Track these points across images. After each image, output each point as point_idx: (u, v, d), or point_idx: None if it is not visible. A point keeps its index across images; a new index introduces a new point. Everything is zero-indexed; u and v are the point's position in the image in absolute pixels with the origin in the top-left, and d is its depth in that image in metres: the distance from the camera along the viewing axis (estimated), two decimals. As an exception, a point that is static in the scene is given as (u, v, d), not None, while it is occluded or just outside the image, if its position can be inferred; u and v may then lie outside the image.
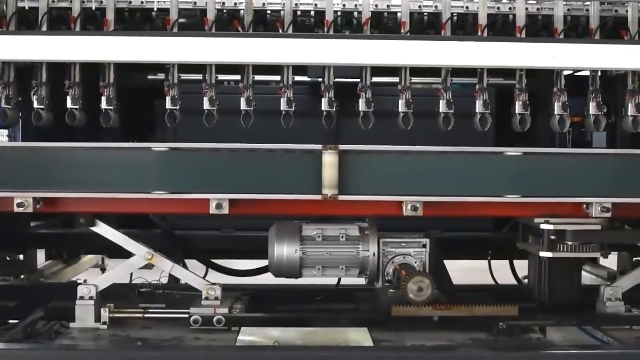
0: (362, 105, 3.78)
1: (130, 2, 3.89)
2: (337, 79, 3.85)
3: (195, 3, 3.88)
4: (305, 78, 4.29)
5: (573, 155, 3.76)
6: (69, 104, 3.78)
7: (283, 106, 3.79)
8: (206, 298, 3.82)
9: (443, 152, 3.66)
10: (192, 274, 3.95)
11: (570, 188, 3.67)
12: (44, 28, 3.80)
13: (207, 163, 3.64)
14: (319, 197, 3.60)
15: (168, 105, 3.77)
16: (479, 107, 3.78)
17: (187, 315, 3.75)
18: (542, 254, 3.78)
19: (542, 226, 3.74)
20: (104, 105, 3.78)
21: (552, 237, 3.74)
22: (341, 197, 3.60)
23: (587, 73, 3.91)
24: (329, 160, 3.59)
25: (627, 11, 3.88)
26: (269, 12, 3.95)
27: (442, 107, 3.77)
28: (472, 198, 3.67)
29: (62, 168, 3.61)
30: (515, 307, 3.78)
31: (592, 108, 3.81)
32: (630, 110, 3.78)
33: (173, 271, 3.90)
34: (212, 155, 3.64)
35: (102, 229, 3.87)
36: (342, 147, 3.61)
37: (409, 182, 3.63)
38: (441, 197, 3.65)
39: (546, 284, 3.85)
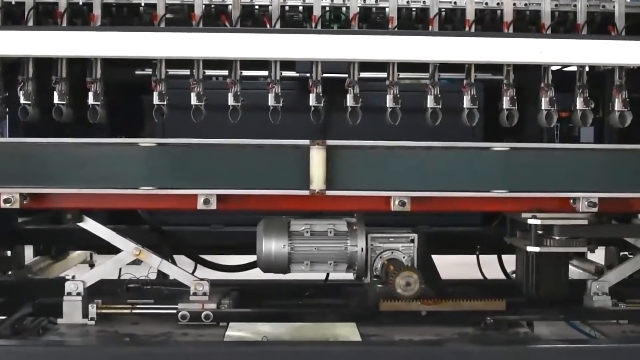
0: (349, 101, 3.76)
1: (117, -3, 3.87)
2: (325, 75, 3.83)
3: (182, -2, 3.85)
4: (293, 73, 4.27)
5: (560, 150, 3.75)
6: (56, 100, 3.76)
7: (271, 101, 3.77)
8: (194, 294, 3.82)
9: (430, 147, 3.66)
10: (180, 269, 3.94)
11: (557, 183, 3.68)
12: (30, 23, 3.77)
13: (194, 158, 3.63)
14: (306, 192, 3.59)
15: (155, 100, 3.74)
16: (466, 102, 3.77)
17: (175, 311, 3.75)
18: (530, 248, 3.79)
19: (530, 221, 3.75)
20: (91, 100, 3.75)
21: (540, 232, 3.75)
22: (329, 193, 3.60)
23: (575, 68, 3.91)
24: (317, 156, 3.59)
25: (614, 7, 3.87)
26: (256, 7, 3.93)
27: (430, 102, 3.77)
28: (460, 193, 3.67)
29: (49, 164, 3.60)
30: (502, 302, 3.79)
31: (579, 103, 3.81)
32: (617, 105, 3.78)
33: (161, 267, 3.89)
34: (199, 150, 3.63)
35: (90, 225, 3.86)
36: (330, 142, 3.61)
37: (396, 177, 3.63)
38: (429, 193, 3.66)
39: (533, 278, 3.86)
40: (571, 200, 3.69)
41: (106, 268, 3.94)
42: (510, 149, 3.68)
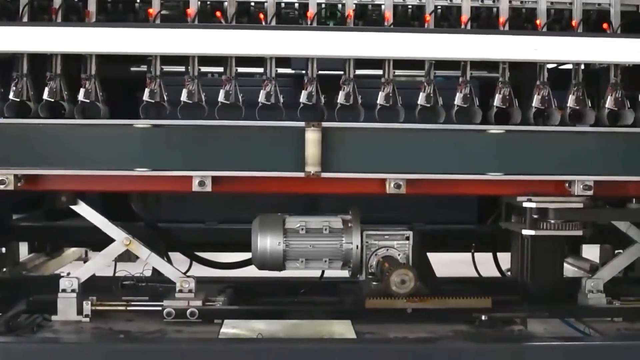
0: (340, 98, 3.74)
1: (112, -7, 3.85)
2: (322, 72, 3.81)
3: (178, -6, 3.84)
4: (289, 70, 4.26)
5: (556, 133, 3.73)
6: (45, 95, 3.72)
7: (261, 98, 3.74)
8: (180, 291, 3.81)
9: (426, 129, 3.66)
10: (167, 264, 3.92)
11: (552, 166, 3.68)
12: (25, 19, 3.75)
13: (190, 140, 3.63)
14: (301, 174, 3.59)
15: (146, 97, 3.71)
16: (458, 100, 3.76)
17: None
18: (525, 232, 3.78)
19: (525, 204, 3.74)
20: (81, 97, 3.72)
21: (535, 215, 3.74)
22: (324, 175, 3.59)
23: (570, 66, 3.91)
24: (312, 138, 3.58)
25: (610, 4, 3.87)
26: (252, 4, 3.92)
27: (421, 100, 3.75)
28: (456, 176, 3.67)
29: (44, 145, 3.59)
30: (488, 299, 3.78)
31: (573, 101, 3.81)
32: (609, 103, 3.78)
33: (150, 259, 3.87)
34: (195, 132, 3.63)
35: (83, 209, 3.83)
36: (326, 124, 3.61)
37: (392, 159, 3.63)
38: (424, 175, 3.65)
39: (528, 263, 3.85)
40: (566, 184, 3.69)
41: (98, 261, 3.92)
42: (506, 132, 3.68)
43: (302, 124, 3.59)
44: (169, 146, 3.61)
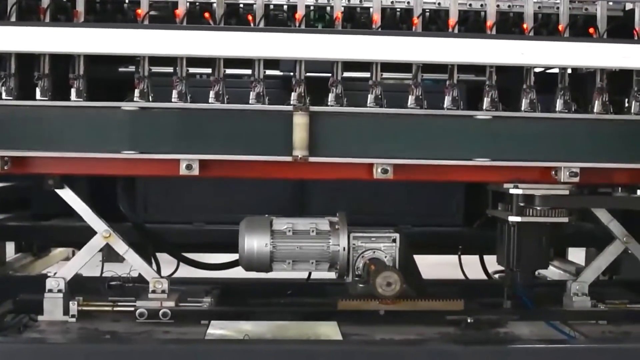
0: (330, 100, 3.76)
1: (101, -6, 3.85)
2: (310, 74, 3.83)
3: (166, -5, 3.84)
4: (277, 72, 4.26)
5: (542, 119, 3.75)
6: (38, 96, 3.73)
7: (251, 100, 3.75)
8: (153, 291, 3.81)
9: (414, 115, 3.67)
10: (143, 262, 3.88)
11: (539, 152, 3.70)
12: (13, 19, 3.74)
13: (177, 123, 3.62)
14: (289, 158, 3.59)
15: (136, 98, 3.72)
16: (447, 103, 3.78)
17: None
18: (511, 218, 3.78)
19: (511, 191, 3.75)
20: (73, 97, 3.74)
21: (521, 203, 3.75)
22: (312, 159, 3.60)
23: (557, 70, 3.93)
24: (300, 122, 3.58)
25: (596, 9, 3.90)
26: (241, 5, 3.93)
27: (410, 102, 3.77)
28: (443, 161, 3.68)
29: (30, 127, 3.56)
30: (460, 302, 3.79)
31: (560, 105, 3.84)
32: (597, 108, 3.81)
33: (126, 255, 3.85)
34: (182, 115, 3.62)
35: (67, 195, 3.79)
36: (313, 108, 3.62)
37: (380, 145, 3.63)
38: (412, 160, 3.66)
39: (514, 250, 3.83)
40: (553, 171, 3.72)
41: (81, 258, 3.87)
42: (494, 117, 3.69)
43: (289, 107, 3.60)
44: (156, 129, 3.59)
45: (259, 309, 3.94)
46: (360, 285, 3.83)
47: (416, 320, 3.77)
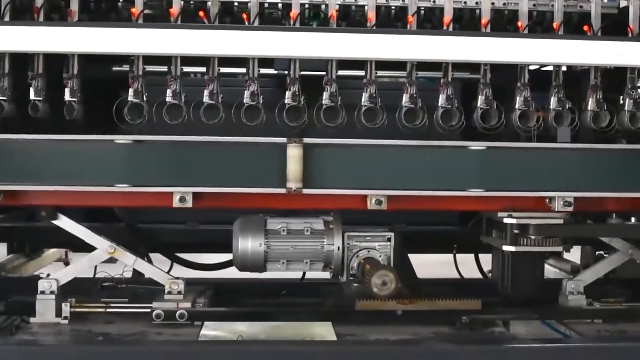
0: (325, 99, 3.74)
1: (95, -7, 3.82)
2: (305, 72, 3.81)
3: (161, -6, 3.81)
4: (272, 71, 4.24)
5: (536, 150, 3.77)
6: (32, 96, 3.71)
7: (245, 99, 3.73)
8: (169, 292, 3.79)
9: (407, 146, 3.68)
10: (154, 268, 3.91)
11: (533, 182, 3.71)
12: (7, 18, 3.71)
13: (171, 156, 3.63)
14: (283, 190, 3.60)
15: (130, 97, 3.70)
16: (442, 101, 3.77)
17: (149, 310, 3.72)
18: (505, 247, 3.80)
19: (506, 220, 3.77)
20: (67, 97, 3.71)
21: (515, 231, 3.76)
22: (305, 191, 3.61)
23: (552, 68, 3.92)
24: (294, 154, 3.59)
25: (591, 7, 3.88)
26: (235, 4, 3.90)
27: (405, 100, 3.75)
28: (436, 192, 3.70)
29: (24, 161, 3.57)
30: (478, 302, 3.80)
31: (554, 103, 3.83)
32: (591, 105, 3.81)
33: (136, 265, 3.87)
34: (176, 148, 3.63)
35: (64, 223, 3.82)
36: (307, 140, 3.61)
37: (373, 176, 3.65)
38: (405, 192, 3.67)
39: (509, 277, 3.87)
40: (547, 200, 3.72)
41: (80, 266, 3.91)
42: (487, 148, 3.71)
43: (283, 140, 3.60)
44: (150, 162, 3.61)
45: (253, 309, 3.92)
46: (355, 284, 3.82)
47: (410, 321, 3.76)
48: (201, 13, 3.79)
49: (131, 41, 3.56)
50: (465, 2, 3.94)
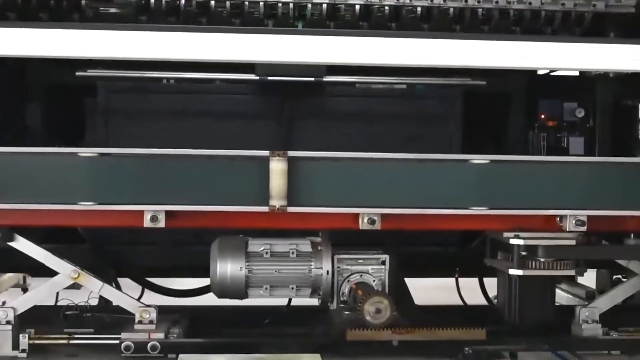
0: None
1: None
2: (291, 78, 3.68)
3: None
4: (253, 76, 3.98)
5: (545, 163, 3.59)
6: None
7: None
8: (140, 322, 3.59)
9: (403, 159, 3.47)
10: (124, 294, 3.70)
11: (542, 199, 3.50)
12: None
13: (141, 171, 3.41)
14: (265, 208, 3.38)
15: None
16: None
17: (118, 342, 3.51)
18: (512, 271, 3.63)
19: (512, 241, 3.59)
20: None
21: (523, 253, 3.58)
22: (290, 209, 3.40)
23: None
24: (277, 168, 3.38)
25: (605, 6, 3.67)
26: (212, 1, 3.64)
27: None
28: (435, 210, 3.49)
29: None
30: (482, 331, 3.59)
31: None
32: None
33: (103, 292, 3.66)
34: (146, 161, 3.41)
35: (22, 244, 3.60)
36: (292, 153, 3.40)
37: (365, 192, 3.44)
38: (401, 210, 3.46)
39: (516, 304, 3.73)
40: (557, 219, 3.52)
41: (40, 293, 3.70)
42: (491, 162, 3.51)
43: (266, 153, 3.38)
44: (117, 177, 3.40)
45: (233, 340, 3.68)
46: (346, 312, 3.65)
47: (408, 352, 3.55)
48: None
49: (95, 44, 3.32)
50: (466, 1, 3.71)
